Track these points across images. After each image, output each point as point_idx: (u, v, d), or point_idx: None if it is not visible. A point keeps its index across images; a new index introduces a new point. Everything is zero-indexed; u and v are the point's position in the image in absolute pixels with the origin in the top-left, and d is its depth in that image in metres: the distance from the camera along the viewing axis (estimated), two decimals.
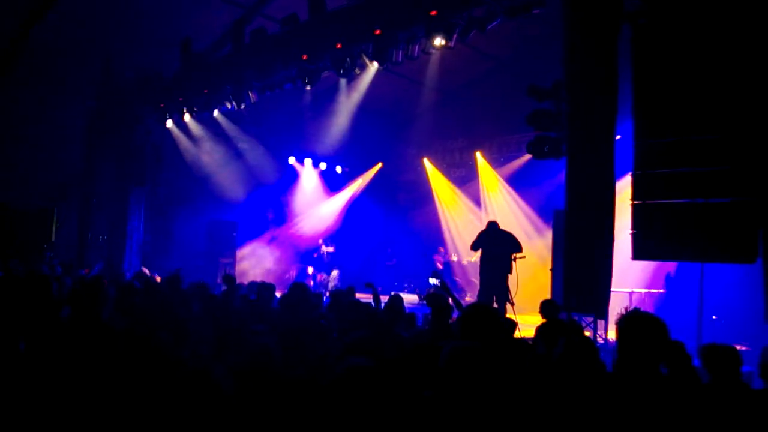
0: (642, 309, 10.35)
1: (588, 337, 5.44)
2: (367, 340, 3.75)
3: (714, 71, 7.31)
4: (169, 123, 16.47)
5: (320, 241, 18.85)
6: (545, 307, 7.54)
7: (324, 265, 18.49)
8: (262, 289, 8.02)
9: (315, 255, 18.64)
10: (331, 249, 18.51)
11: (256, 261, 18.95)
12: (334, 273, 18.18)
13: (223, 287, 9.98)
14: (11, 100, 15.00)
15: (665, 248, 7.77)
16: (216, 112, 15.68)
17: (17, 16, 13.36)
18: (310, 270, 18.50)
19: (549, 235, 11.66)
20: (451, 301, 6.55)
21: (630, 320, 3.06)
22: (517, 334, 8.07)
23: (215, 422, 2.32)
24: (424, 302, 8.53)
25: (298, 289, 7.20)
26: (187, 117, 15.76)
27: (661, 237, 7.67)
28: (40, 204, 15.59)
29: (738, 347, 4.28)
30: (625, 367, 2.99)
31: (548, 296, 9.05)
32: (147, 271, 13.15)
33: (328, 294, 12.48)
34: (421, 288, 16.54)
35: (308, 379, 2.98)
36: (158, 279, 12.54)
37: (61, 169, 16.96)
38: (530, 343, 6.03)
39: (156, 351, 3.19)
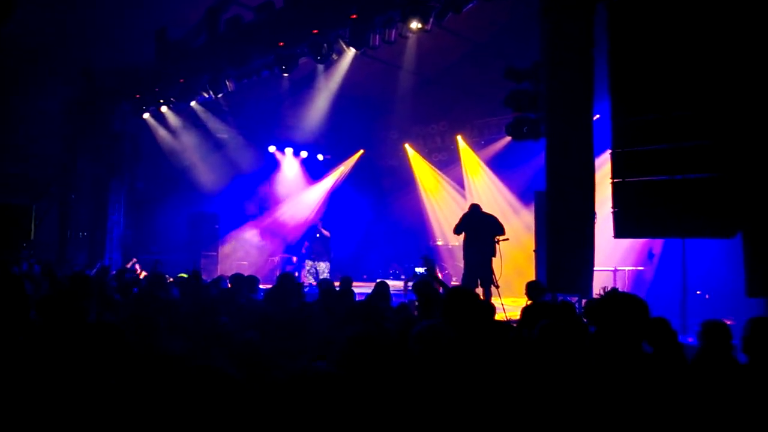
0: (623, 288, 10.43)
1: (578, 318, 5.43)
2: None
3: (691, 47, 7.30)
4: (146, 115, 16.31)
5: (319, 222, 18.06)
6: (530, 289, 7.54)
7: (314, 251, 17.93)
8: (235, 280, 7.92)
9: (316, 236, 17.96)
10: (327, 234, 17.94)
11: (239, 252, 18.80)
12: (323, 265, 17.68)
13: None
14: None
15: (646, 225, 7.81)
16: (194, 103, 15.55)
17: None
18: (294, 259, 18.33)
19: (531, 216, 11.64)
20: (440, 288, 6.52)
21: (607, 302, 2.97)
22: (500, 317, 8.09)
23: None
24: (411, 289, 8.49)
25: (285, 280, 7.12)
26: (164, 108, 15.61)
27: (641, 214, 7.69)
28: (19, 201, 15.37)
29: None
30: (603, 347, 2.92)
31: (533, 278, 9.04)
32: (138, 268, 12.99)
33: (315, 284, 12.20)
34: (407, 273, 16.47)
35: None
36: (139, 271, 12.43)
37: (39, 166, 16.75)
38: (514, 325, 6.05)
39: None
